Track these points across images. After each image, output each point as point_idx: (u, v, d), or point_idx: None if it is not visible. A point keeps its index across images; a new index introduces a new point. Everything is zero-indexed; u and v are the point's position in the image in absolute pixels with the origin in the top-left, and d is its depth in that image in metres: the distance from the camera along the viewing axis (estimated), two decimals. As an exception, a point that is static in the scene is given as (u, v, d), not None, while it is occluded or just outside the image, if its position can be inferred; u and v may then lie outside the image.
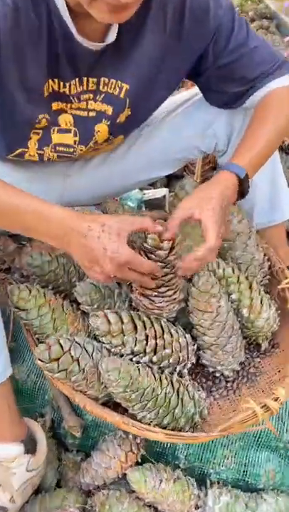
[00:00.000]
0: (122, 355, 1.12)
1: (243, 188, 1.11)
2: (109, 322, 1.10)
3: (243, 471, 1.21)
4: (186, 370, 1.18)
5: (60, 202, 1.18)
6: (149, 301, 1.14)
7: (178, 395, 1.10)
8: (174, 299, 1.16)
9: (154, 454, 1.22)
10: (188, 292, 1.19)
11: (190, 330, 1.23)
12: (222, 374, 1.24)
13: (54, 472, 1.25)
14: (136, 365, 1.09)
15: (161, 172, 1.43)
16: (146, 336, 1.12)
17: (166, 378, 1.11)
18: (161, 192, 1.84)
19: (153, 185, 1.88)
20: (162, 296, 1.13)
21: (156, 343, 1.13)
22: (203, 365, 1.25)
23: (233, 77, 1.18)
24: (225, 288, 1.25)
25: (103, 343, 1.12)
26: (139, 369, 1.08)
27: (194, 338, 1.22)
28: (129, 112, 1.16)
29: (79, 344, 1.10)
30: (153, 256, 1.06)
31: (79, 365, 1.08)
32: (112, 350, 1.12)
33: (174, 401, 1.08)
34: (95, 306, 1.18)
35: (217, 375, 1.25)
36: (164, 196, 1.83)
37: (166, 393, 1.08)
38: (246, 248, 1.33)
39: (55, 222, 0.94)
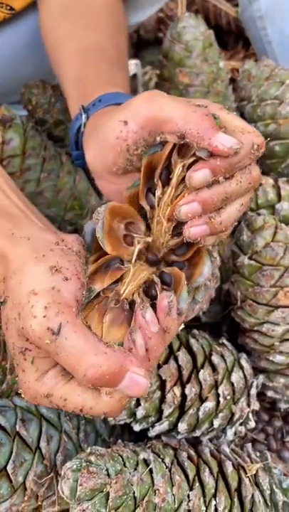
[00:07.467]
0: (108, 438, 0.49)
1: None
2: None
3: None
4: (243, 429, 0.56)
5: None
6: None
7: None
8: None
9: None
10: (228, 263, 0.55)
11: (234, 340, 0.60)
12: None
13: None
14: (142, 454, 0.47)
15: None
16: (162, 381, 0.49)
17: (211, 475, 0.49)
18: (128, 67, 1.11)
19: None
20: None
21: (183, 394, 0.49)
22: (263, 394, 0.64)
23: None
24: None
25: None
26: (150, 470, 0.45)
27: (246, 353, 0.59)
28: None
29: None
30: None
31: (10, 480, 0.45)
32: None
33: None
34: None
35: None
36: (135, 75, 1.11)
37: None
38: None
39: None
